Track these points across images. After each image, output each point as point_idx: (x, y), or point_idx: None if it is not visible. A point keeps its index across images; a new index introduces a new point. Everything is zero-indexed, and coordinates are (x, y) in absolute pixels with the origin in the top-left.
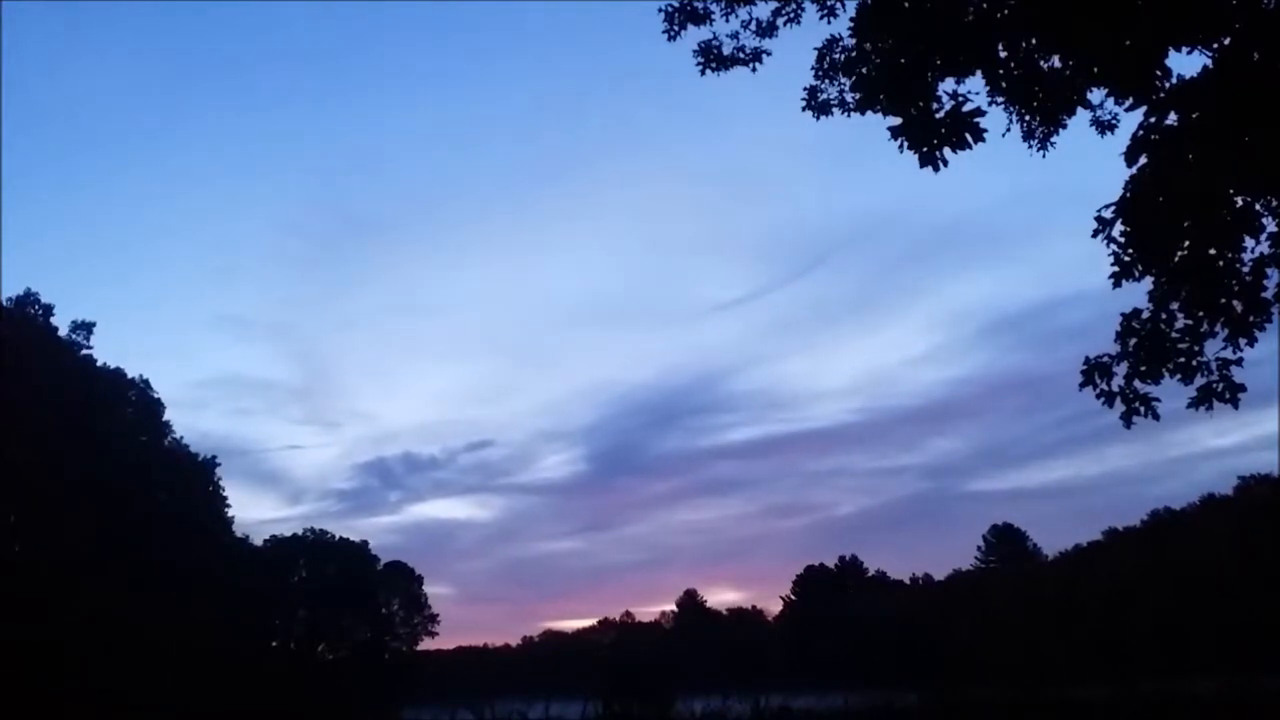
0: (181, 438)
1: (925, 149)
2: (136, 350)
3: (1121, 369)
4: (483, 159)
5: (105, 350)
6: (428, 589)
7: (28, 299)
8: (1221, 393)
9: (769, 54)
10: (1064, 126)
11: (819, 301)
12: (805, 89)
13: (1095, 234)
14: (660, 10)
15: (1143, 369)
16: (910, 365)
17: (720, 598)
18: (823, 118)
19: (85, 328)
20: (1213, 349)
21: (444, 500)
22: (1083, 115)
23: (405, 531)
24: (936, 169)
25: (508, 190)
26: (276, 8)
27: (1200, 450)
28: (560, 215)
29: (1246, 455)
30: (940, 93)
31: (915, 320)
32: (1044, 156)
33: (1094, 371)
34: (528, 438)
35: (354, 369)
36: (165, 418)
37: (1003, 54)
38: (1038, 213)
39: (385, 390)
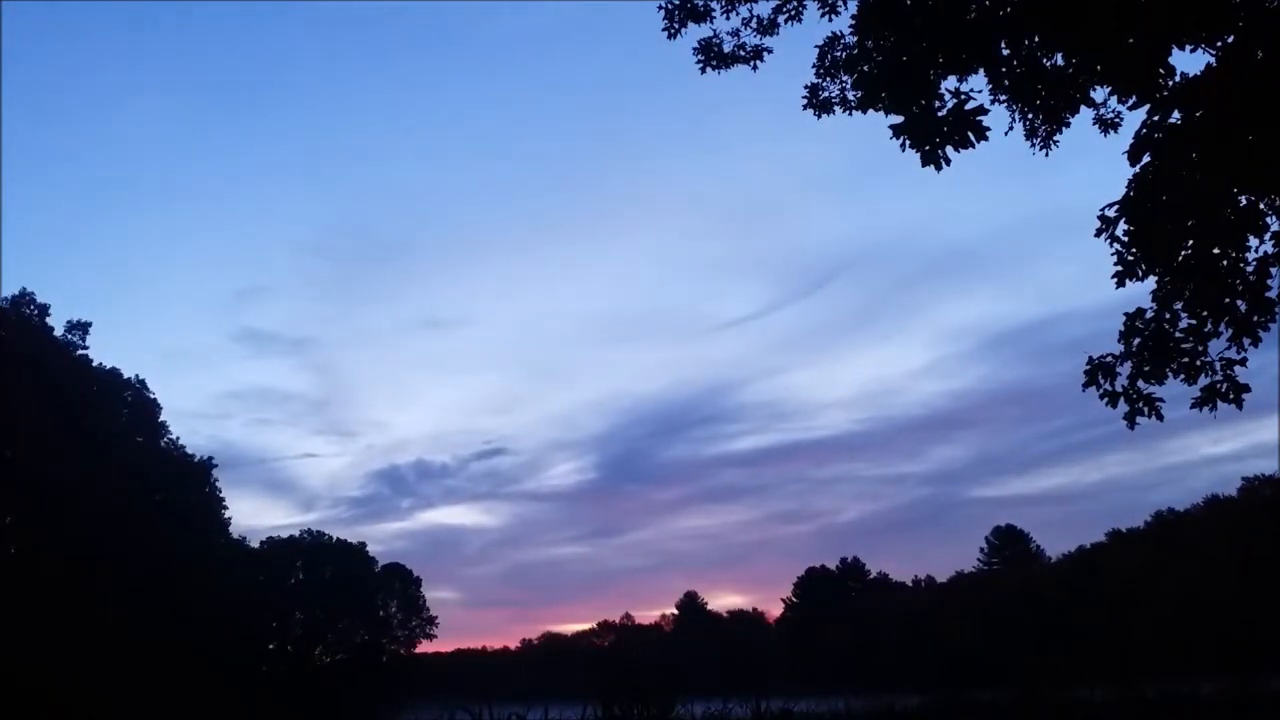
0: (178, 438)
1: (927, 147)
2: (162, 364)
3: (1125, 369)
4: (501, 185)
5: (122, 358)
6: (436, 593)
7: (23, 298)
8: (1225, 392)
9: (770, 51)
10: (1067, 125)
11: (824, 319)
12: (806, 87)
13: (1098, 233)
14: (660, 8)
15: (1146, 369)
16: (912, 377)
17: (724, 601)
18: (824, 116)
19: (81, 328)
20: (1216, 349)
21: (454, 507)
22: (1086, 114)
23: (415, 537)
24: (939, 168)
25: (525, 214)
26: (305, 43)
27: (1197, 458)
28: (575, 237)
29: (1243, 463)
30: (942, 91)
31: (917, 336)
32: (1046, 155)
33: (1097, 372)
34: (538, 446)
35: (371, 382)
36: (161, 418)
37: (1005, 52)
38: (1034, 239)
39: (401, 402)
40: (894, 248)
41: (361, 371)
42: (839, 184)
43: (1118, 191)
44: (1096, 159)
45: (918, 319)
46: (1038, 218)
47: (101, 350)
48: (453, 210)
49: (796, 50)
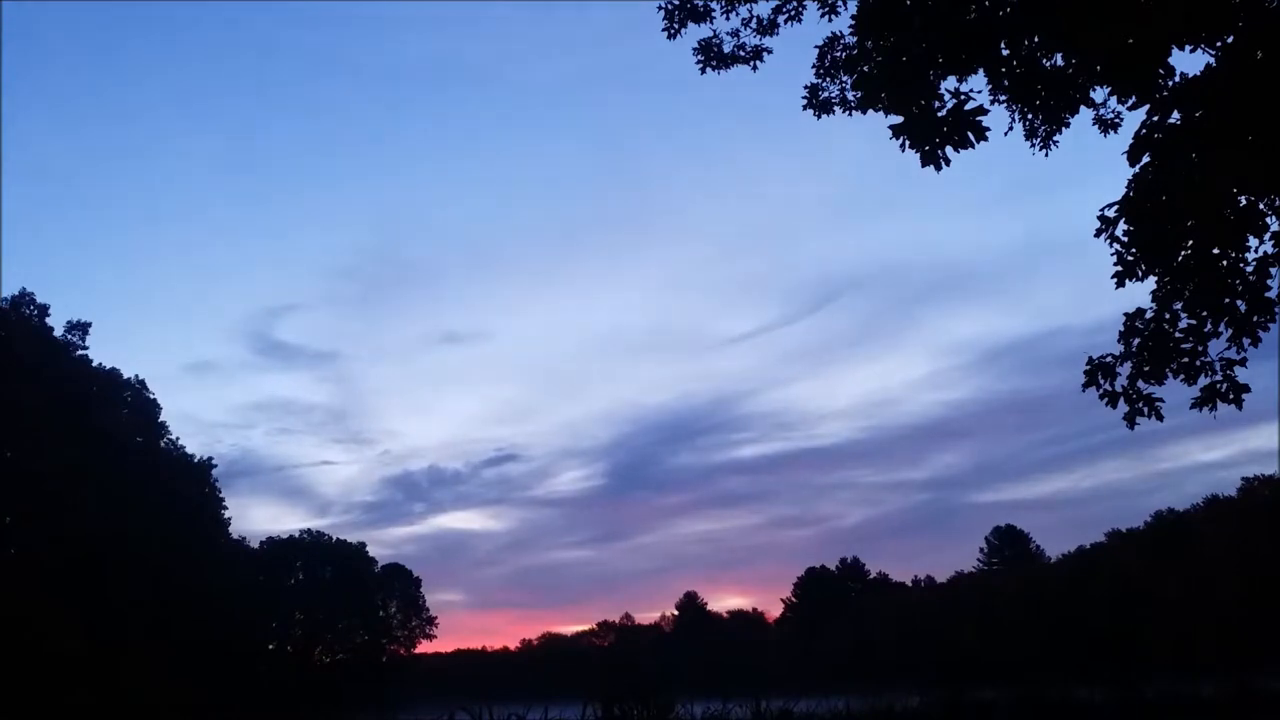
0: (178, 439)
1: (927, 148)
2: (190, 375)
3: (1125, 369)
4: (518, 210)
5: (142, 367)
6: (444, 595)
7: (23, 298)
8: (1225, 393)
9: (769, 52)
10: (1067, 125)
11: (827, 335)
12: (806, 87)
13: (1098, 233)
14: (660, 8)
15: (1146, 369)
16: (912, 388)
17: (727, 602)
18: (824, 117)
19: (81, 328)
20: (1216, 349)
21: (465, 512)
22: (1086, 114)
23: (425, 541)
24: (939, 168)
25: (541, 235)
26: (333, 75)
27: (1192, 464)
28: (589, 257)
29: (1237, 468)
30: (942, 91)
31: (916, 350)
32: (1046, 156)
33: (1097, 372)
34: (549, 454)
35: (390, 393)
36: (161, 419)
37: (1005, 52)
38: (1028, 259)
39: (417, 412)
40: (894, 267)
41: (380, 383)
42: (842, 207)
43: (1116, 196)
44: (1090, 181)
45: (917, 335)
46: (1032, 239)
47: (126, 359)
48: (473, 232)
49: (802, 70)
